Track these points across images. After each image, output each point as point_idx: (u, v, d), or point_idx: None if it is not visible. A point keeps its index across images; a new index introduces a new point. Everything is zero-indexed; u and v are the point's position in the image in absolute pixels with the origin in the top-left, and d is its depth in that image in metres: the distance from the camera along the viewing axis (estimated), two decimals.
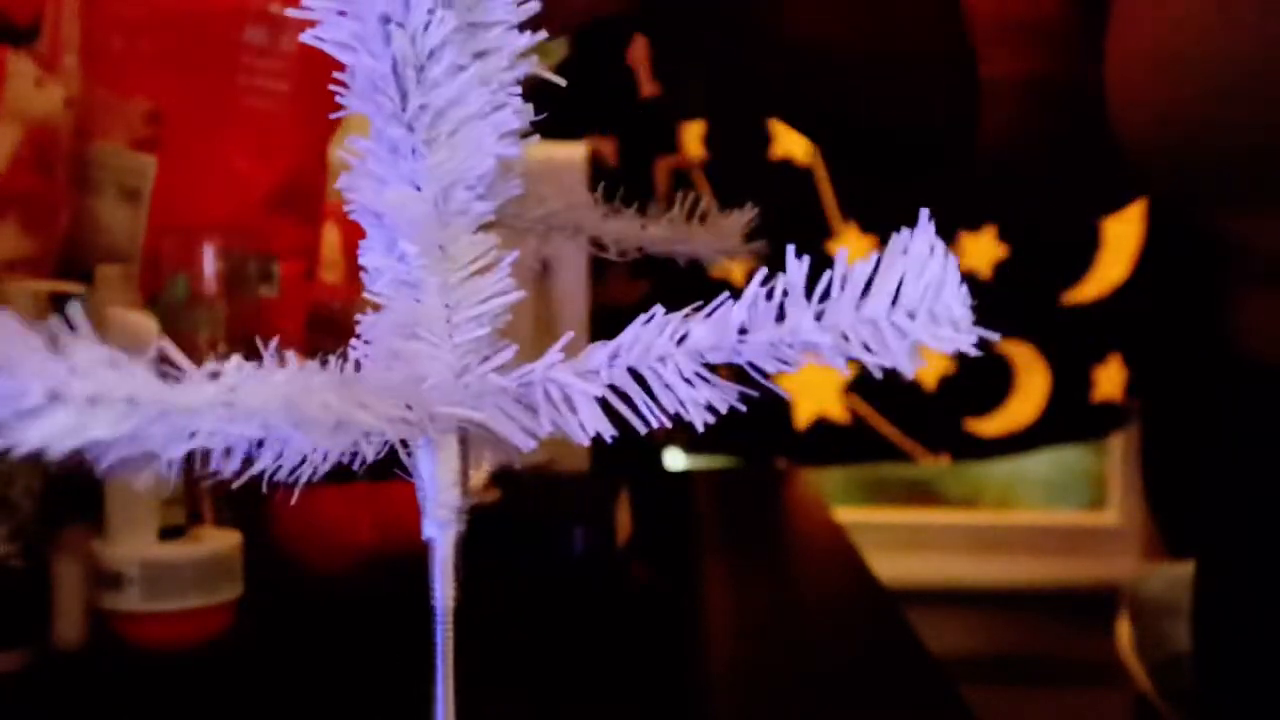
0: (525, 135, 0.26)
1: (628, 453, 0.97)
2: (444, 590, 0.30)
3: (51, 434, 0.18)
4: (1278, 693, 0.49)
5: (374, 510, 0.64)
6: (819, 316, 0.23)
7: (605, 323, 1.65)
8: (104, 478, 0.56)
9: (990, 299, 1.71)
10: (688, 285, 1.84)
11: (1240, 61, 0.43)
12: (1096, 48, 0.51)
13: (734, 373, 0.26)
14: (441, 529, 0.29)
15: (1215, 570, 0.54)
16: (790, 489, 1.31)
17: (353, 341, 0.28)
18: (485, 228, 0.27)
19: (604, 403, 0.26)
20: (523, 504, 0.70)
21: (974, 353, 0.22)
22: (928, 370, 1.70)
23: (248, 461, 0.25)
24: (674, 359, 0.25)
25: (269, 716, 0.51)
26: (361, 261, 0.28)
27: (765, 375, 0.24)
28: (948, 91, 0.55)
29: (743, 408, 0.24)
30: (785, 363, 0.24)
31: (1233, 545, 0.52)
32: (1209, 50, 0.44)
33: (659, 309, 0.25)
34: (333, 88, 0.27)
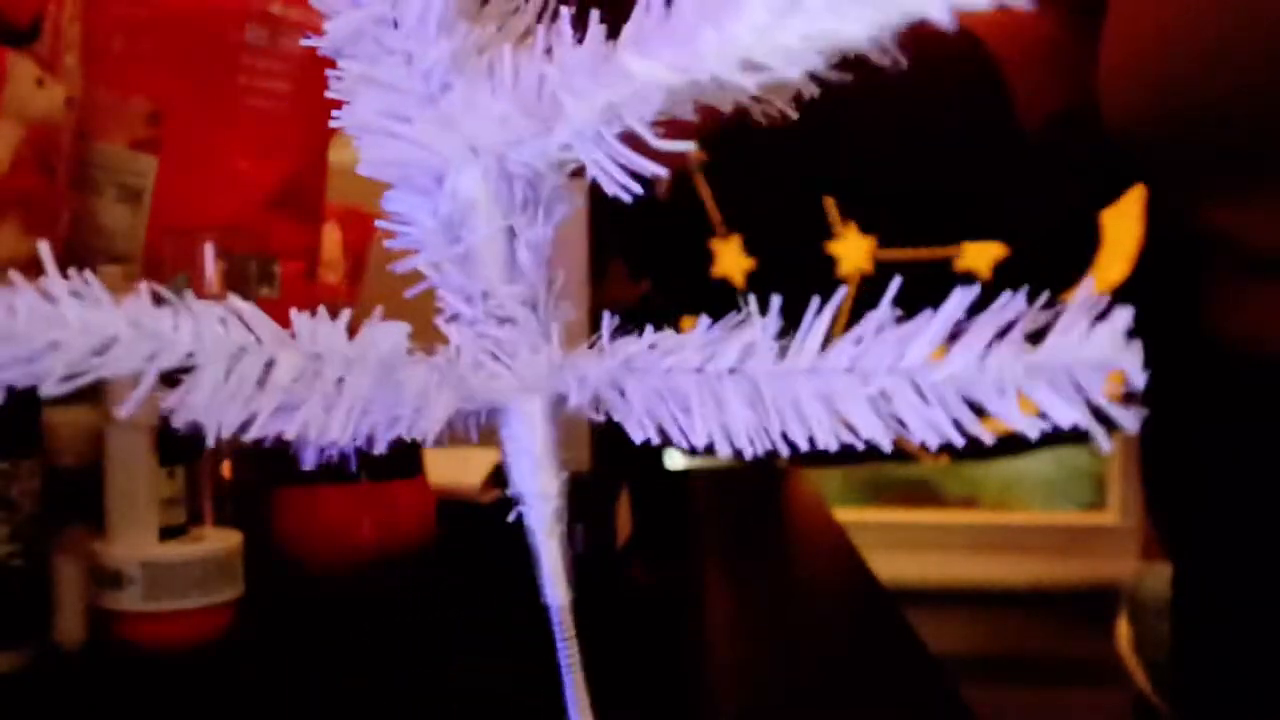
0: None
1: (628, 452, 0.97)
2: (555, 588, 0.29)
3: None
4: (1256, 690, 0.49)
5: (374, 510, 0.64)
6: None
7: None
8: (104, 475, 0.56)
9: (990, 299, 1.71)
10: (687, 286, 1.84)
11: (1233, 48, 0.43)
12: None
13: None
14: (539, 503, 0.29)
15: (1197, 568, 0.54)
16: (790, 489, 1.31)
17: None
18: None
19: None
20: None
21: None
22: None
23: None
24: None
25: (269, 716, 0.51)
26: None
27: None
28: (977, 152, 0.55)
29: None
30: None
31: (1215, 542, 0.52)
32: (1203, 36, 0.44)
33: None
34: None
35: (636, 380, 0.27)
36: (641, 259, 1.56)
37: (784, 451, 0.25)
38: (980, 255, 1.68)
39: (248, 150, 0.80)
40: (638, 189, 0.24)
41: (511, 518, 0.29)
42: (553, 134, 0.25)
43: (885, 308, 0.24)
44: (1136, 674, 1.44)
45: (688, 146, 0.22)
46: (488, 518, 0.69)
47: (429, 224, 0.28)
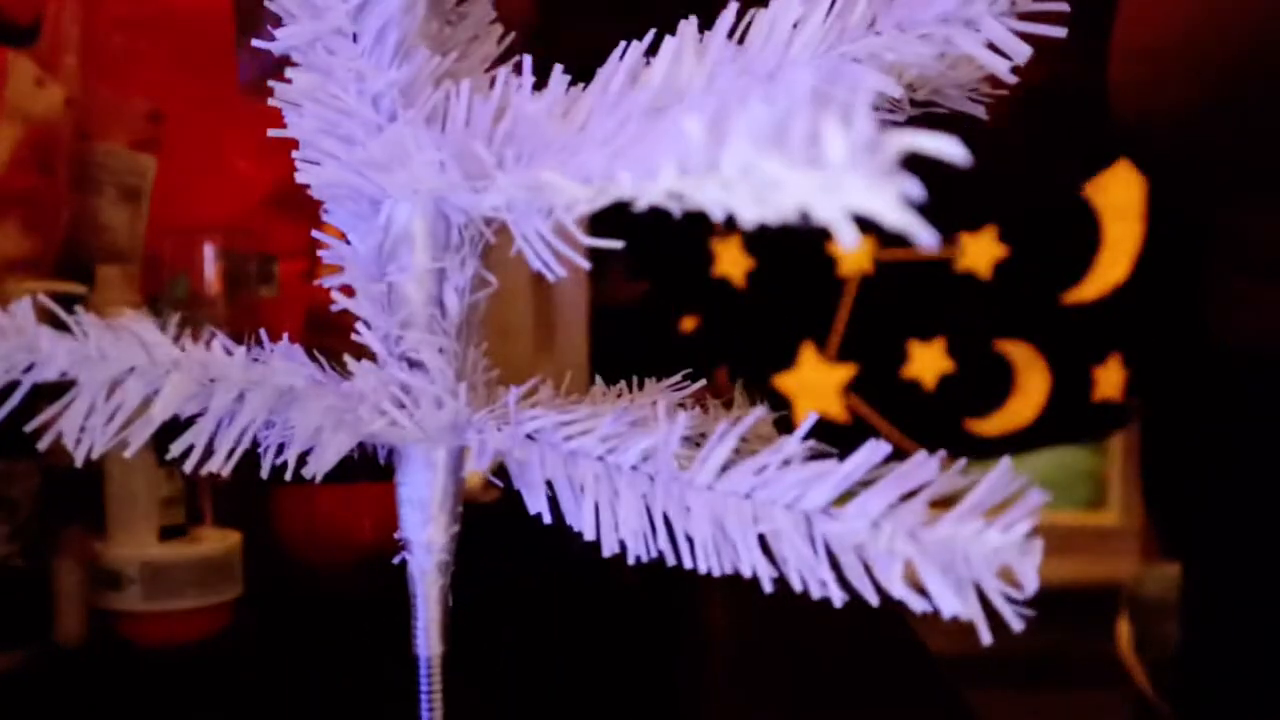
0: None
1: None
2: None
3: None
4: (1262, 689, 0.49)
5: (374, 510, 0.64)
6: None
7: (605, 323, 1.65)
8: (105, 478, 0.56)
9: (990, 299, 1.71)
10: (688, 287, 1.83)
11: (1245, 50, 0.43)
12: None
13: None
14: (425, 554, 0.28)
15: (1204, 567, 0.54)
16: None
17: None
18: None
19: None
20: (523, 504, 0.70)
21: None
22: (927, 369, 1.70)
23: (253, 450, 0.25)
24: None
25: (269, 716, 0.51)
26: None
27: None
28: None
29: None
30: None
31: (1222, 541, 0.52)
32: (1217, 37, 0.44)
33: None
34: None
35: (538, 454, 0.26)
36: (641, 259, 1.55)
37: (670, 559, 0.24)
38: (980, 256, 1.68)
39: (248, 150, 0.80)
40: (561, 272, 0.23)
41: (396, 561, 0.28)
42: (482, 195, 0.24)
43: (795, 440, 0.23)
44: (1136, 674, 1.44)
45: (616, 244, 0.21)
46: (488, 516, 0.69)
47: (359, 247, 0.27)
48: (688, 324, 1.65)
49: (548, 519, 0.26)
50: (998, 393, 1.71)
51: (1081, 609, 1.70)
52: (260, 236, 0.75)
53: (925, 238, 0.15)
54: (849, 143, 0.15)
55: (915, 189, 0.15)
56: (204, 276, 0.68)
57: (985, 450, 1.73)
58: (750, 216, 0.17)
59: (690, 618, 0.66)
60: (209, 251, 0.68)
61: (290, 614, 0.61)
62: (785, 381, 1.70)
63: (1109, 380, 1.70)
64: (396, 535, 0.28)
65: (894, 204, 0.15)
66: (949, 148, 0.15)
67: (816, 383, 1.71)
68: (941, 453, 0.22)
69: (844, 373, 1.70)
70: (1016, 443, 1.71)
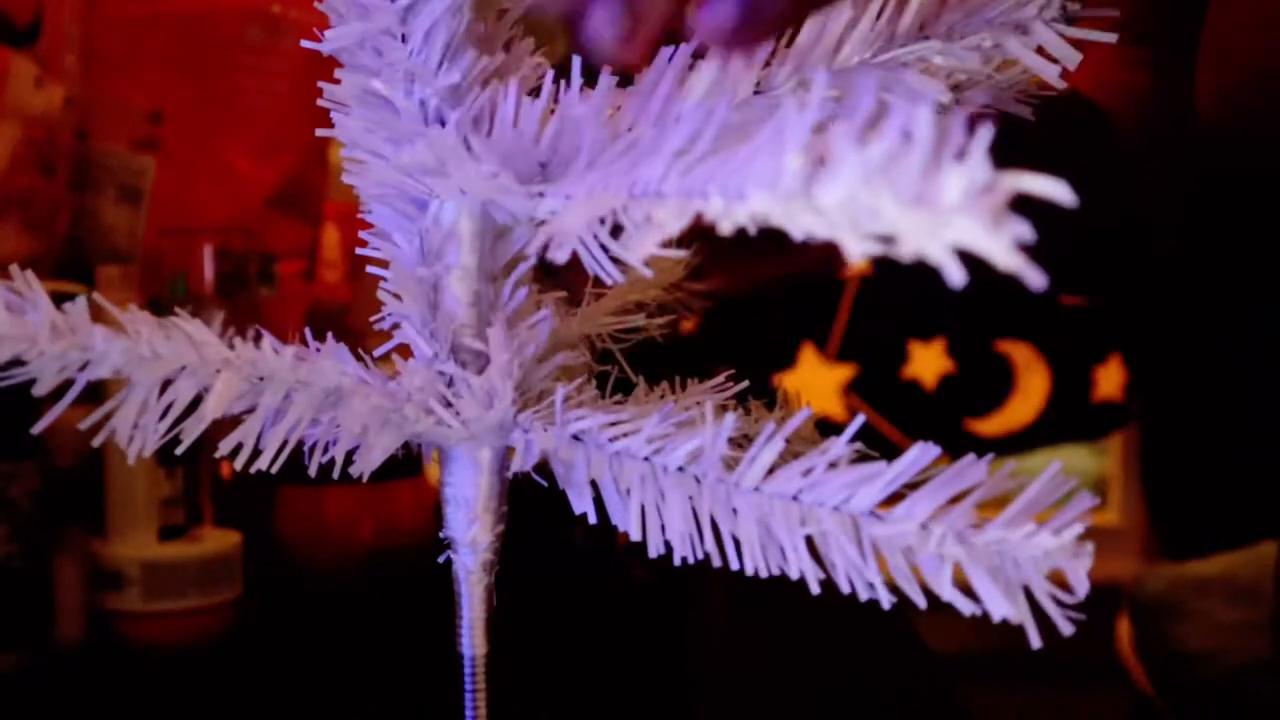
0: None
1: None
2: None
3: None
4: None
5: (374, 510, 0.64)
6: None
7: None
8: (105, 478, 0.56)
9: (990, 299, 1.71)
10: None
11: None
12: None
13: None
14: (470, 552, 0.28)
15: None
16: None
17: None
18: None
19: None
20: (523, 504, 0.70)
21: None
22: (927, 369, 1.70)
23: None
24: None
25: (269, 716, 0.51)
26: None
27: None
28: None
29: None
30: None
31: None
32: None
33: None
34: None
35: (583, 454, 0.26)
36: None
37: (715, 561, 0.24)
38: None
39: (248, 150, 0.80)
40: (619, 277, 0.23)
41: (441, 560, 0.28)
42: (541, 201, 0.24)
43: (842, 442, 0.23)
44: (1136, 674, 1.44)
45: (679, 255, 0.21)
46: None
47: (405, 246, 0.27)
48: (688, 324, 1.64)
49: (593, 520, 0.26)
50: (998, 393, 1.71)
51: (1082, 609, 1.70)
52: (260, 236, 0.75)
53: (1034, 280, 0.15)
54: (964, 185, 0.15)
55: (1026, 232, 0.15)
56: (204, 276, 0.68)
57: (985, 450, 1.72)
58: (851, 251, 0.17)
59: (690, 618, 0.66)
60: (209, 251, 0.68)
61: (290, 614, 0.61)
62: (785, 381, 1.70)
63: (1109, 380, 1.70)
64: (441, 534, 0.28)
65: (1006, 248, 0.15)
66: (1057, 190, 0.15)
67: (816, 383, 1.71)
68: (990, 456, 0.22)
69: (844, 373, 1.70)
70: (1016, 443, 1.71)
